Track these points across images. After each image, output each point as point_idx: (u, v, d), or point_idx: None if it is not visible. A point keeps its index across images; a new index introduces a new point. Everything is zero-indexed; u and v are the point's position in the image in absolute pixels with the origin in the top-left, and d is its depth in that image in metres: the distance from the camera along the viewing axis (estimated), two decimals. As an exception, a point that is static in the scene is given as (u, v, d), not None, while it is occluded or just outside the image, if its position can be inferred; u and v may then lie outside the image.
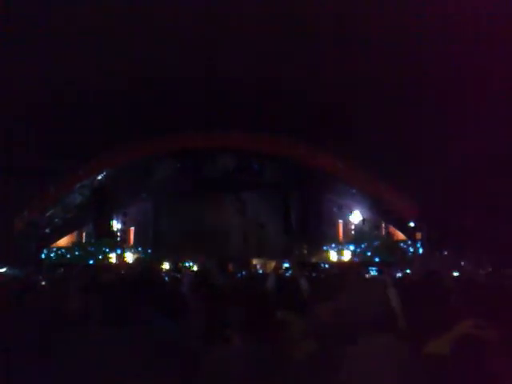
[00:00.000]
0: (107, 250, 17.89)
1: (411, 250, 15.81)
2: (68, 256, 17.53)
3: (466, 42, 10.59)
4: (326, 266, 15.31)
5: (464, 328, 1.79)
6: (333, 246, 17.47)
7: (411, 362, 1.85)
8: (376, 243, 16.82)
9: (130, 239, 19.41)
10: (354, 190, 16.91)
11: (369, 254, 16.58)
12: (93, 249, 18.08)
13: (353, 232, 17.83)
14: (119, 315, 2.25)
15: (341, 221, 18.14)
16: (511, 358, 1.76)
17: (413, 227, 15.67)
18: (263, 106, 13.74)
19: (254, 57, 12.26)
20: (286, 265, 14.82)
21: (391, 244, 16.43)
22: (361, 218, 17.66)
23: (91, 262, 17.13)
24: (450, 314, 2.10)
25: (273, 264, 16.38)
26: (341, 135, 13.78)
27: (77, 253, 17.75)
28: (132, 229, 19.51)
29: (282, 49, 12.05)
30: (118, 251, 18.10)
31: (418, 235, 15.51)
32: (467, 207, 12.84)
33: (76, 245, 18.19)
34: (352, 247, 17.11)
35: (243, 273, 15.64)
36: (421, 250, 15.35)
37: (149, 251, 18.87)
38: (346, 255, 17.08)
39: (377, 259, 16.02)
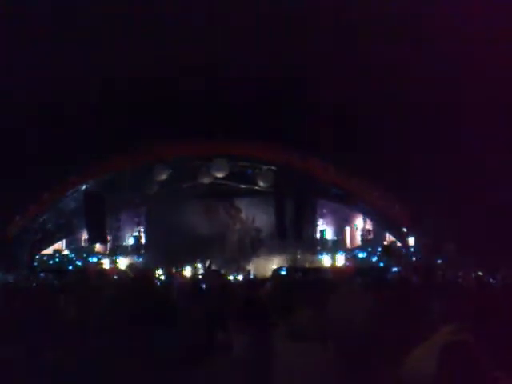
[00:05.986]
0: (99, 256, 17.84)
1: (407, 255, 15.90)
2: (59, 261, 17.47)
3: (455, 44, 10.63)
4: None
5: (445, 334, 1.80)
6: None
7: (390, 372, 1.87)
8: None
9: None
10: (347, 197, 16.97)
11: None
12: (85, 254, 18.04)
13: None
14: (113, 324, 2.25)
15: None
16: (496, 360, 1.77)
17: (406, 233, 15.73)
18: (257, 112, 13.77)
19: (248, 64, 12.29)
20: (283, 272, 14.85)
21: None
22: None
23: (81, 266, 17.08)
24: (435, 321, 2.13)
25: (266, 268, 16.43)
26: (335, 142, 13.84)
27: (69, 256, 17.71)
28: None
29: (277, 57, 12.07)
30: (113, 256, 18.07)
31: (411, 241, 15.58)
32: (460, 214, 12.91)
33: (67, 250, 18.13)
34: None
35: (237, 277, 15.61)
36: (414, 257, 15.41)
37: (141, 257, 18.82)
38: (341, 260, 17.38)
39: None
